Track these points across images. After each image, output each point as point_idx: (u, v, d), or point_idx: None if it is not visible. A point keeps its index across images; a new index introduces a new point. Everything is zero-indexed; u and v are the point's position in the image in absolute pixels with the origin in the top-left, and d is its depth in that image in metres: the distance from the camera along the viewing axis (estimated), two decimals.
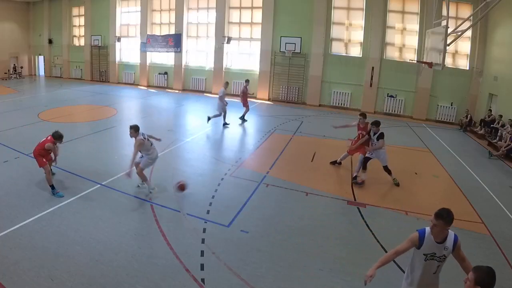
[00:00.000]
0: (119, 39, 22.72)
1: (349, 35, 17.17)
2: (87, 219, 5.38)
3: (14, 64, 24.78)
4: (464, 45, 15.48)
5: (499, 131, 11.52)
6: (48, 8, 25.24)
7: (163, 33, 21.25)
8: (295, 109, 16.35)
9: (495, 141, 11.37)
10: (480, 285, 2.54)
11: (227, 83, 12.79)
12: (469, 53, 15.51)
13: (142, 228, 5.23)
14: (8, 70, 24.28)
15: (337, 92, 17.35)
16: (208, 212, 5.84)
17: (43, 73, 26.71)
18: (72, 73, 25.24)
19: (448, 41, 9.29)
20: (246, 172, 7.86)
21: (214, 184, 7.03)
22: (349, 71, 17.13)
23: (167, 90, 21.13)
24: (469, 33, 14.24)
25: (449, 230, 3.11)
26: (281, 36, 17.70)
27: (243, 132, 12.35)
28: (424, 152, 10.60)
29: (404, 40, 16.38)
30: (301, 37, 17.42)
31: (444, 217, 2.99)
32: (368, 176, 7.90)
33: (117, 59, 23.24)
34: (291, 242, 5.11)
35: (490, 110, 13.26)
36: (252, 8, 18.84)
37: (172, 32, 20.78)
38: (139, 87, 22.01)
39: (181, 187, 5.97)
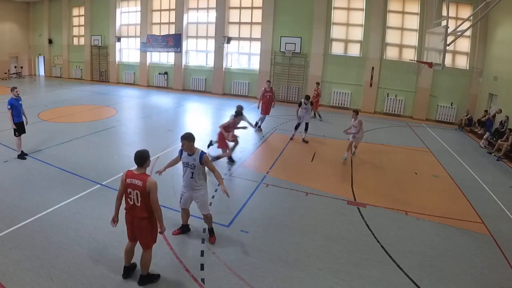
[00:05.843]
0: (119, 39, 22.72)
1: (349, 35, 17.17)
2: (87, 219, 5.37)
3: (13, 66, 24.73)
4: (464, 45, 15.48)
5: (493, 125, 11.70)
6: (48, 8, 25.25)
7: (163, 33, 21.25)
8: (295, 109, 16.30)
9: (485, 136, 11.53)
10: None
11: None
12: (469, 53, 15.52)
13: None
14: (8, 70, 24.28)
15: (337, 92, 17.36)
16: None
17: (43, 73, 26.72)
18: (72, 73, 25.25)
19: (448, 41, 9.29)
20: (246, 172, 7.86)
21: (214, 184, 7.00)
22: (349, 71, 17.13)
23: (167, 90, 21.14)
24: (469, 33, 14.25)
25: (198, 148, 4.51)
26: (281, 36, 17.71)
27: (243, 132, 12.32)
28: (424, 152, 10.60)
29: (404, 40, 16.37)
30: (301, 37, 17.42)
31: (186, 137, 4.39)
32: (368, 176, 7.90)
33: (117, 59, 23.25)
34: (291, 242, 5.10)
35: (486, 111, 13.40)
36: (252, 8, 18.85)
37: (172, 32, 20.78)
38: (139, 87, 22.02)
39: None
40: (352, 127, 8.94)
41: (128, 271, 4.14)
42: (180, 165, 4.79)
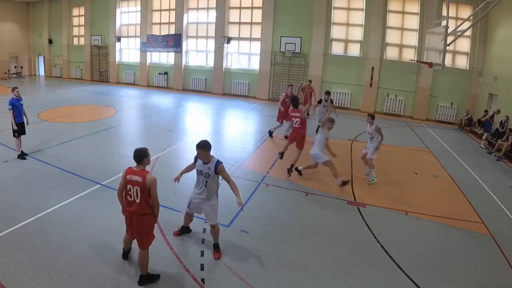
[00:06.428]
0: (119, 39, 22.72)
1: (349, 35, 17.17)
2: (87, 219, 5.37)
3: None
4: (464, 45, 15.48)
5: (492, 126, 11.74)
6: (48, 8, 25.25)
7: (163, 33, 21.26)
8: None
9: (485, 136, 11.56)
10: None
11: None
12: (469, 53, 15.52)
13: None
14: (8, 70, 24.28)
15: (337, 92, 17.36)
16: None
17: (43, 73, 26.72)
18: (72, 73, 25.25)
19: (448, 41, 9.29)
20: (246, 172, 7.85)
21: None
22: (349, 71, 17.13)
23: (167, 90, 21.14)
24: (469, 33, 14.25)
25: (214, 156, 4.35)
26: (281, 36, 17.71)
27: (243, 132, 12.36)
28: (424, 152, 10.60)
29: (404, 40, 16.37)
30: (301, 37, 17.42)
31: (201, 145, 4.22)
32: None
33: (117, 59, 23.25)
34: (291, 242, 5.10)
35: (486, 111, 13.40)
36: (252, 8, 18.85)
37: (172, 32, 20.79)
38: (139, 87, 22.02)
39: None
40: (367, 133, 7.59)
41: (127, 254, 4.41)
42: (177, 165, 4.79)
